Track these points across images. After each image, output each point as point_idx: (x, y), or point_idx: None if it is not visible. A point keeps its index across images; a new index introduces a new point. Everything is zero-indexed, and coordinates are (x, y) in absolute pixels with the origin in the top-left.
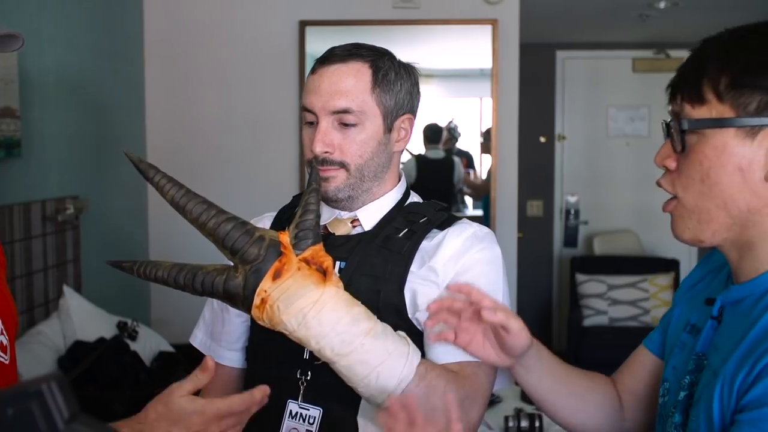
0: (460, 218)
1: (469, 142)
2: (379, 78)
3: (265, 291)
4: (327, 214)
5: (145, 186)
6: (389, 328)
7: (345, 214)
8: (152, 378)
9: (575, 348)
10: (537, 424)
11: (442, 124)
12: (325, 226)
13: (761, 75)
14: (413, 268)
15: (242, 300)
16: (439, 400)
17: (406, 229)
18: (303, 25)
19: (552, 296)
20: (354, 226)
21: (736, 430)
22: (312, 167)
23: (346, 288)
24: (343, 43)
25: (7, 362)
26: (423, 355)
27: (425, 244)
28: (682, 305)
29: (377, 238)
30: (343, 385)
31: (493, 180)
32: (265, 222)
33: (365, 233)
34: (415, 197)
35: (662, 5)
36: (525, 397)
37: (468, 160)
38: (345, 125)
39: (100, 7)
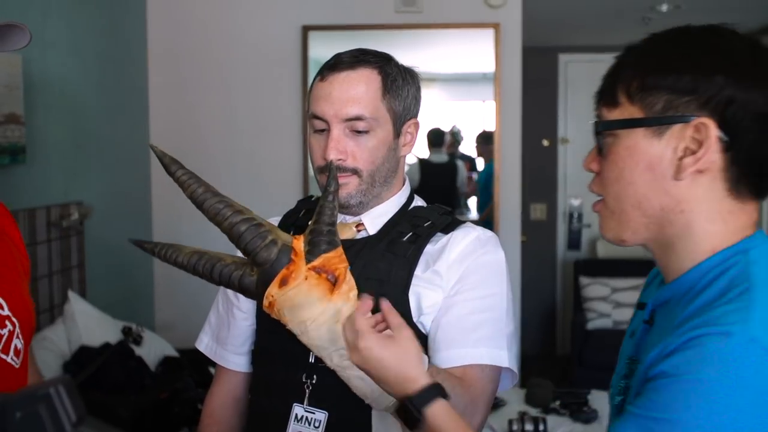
0: (464, 222)
1: (472, 145)
2: (388, 84)
3: (272, 296)
4: None
5: (150, 191)
6: None
7: (350, 219)
8: (157, 383)
9: (579, 351)
10: (541, 427)
11: (445, 128)
12: None
13: (667, 76)
14: (418, 272)
15: (255, 297)
16: None
17: (411, 233)
18: (306, 29)
19: (556, 299)
20: (359, 231)
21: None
22: (330, 170)
23: None
24: (347, 49)
25: (17, 366)
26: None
27: (429, 248)
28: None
29: (382, 243)
30: (348, 389)
31: (496, 183)
32: None
33: (370, 237)
34: (419, 201)
35: (665, 8)
36: (529, 400)
37: (471, 164)
38: (357, 132)
39: (104, 13)
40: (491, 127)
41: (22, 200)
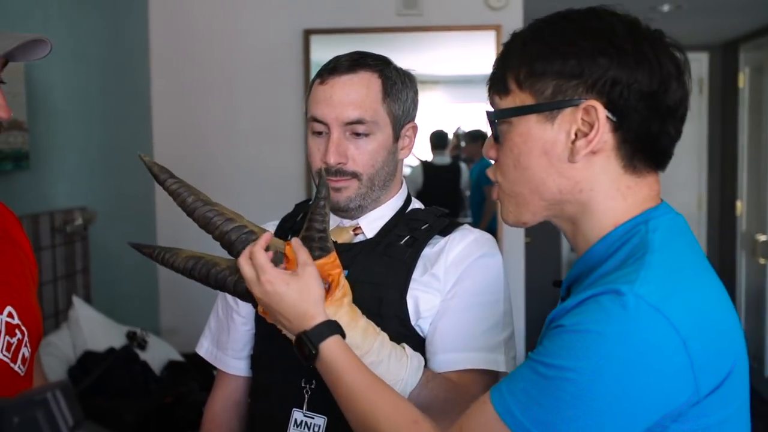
0: (461, 224)
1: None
2: (388, 88)
3: None
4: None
5: (153, 196)
6: (387, 350)
7: (347, 222)
8: (162, 387)
9: None
10: None
11: (448, 130)
12: None
13: (553, 61)
14: (415, 275)
15: (250, 301)
16: (438, 407)
17: (408, 237)
18: (307, 33)
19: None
20: (356, 234)
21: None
22: (320, 177)
23: None
24: (347, 52)
25: (23, 375)
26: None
27: (427, 251)
28: None
29: (379, 246)
30: None
31: None
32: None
33: (367, 241)
34: (416, 204)
35: (666, 8)
36: None
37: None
38: (357, 135)
39: (106, 19)
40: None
41: (26, 206)
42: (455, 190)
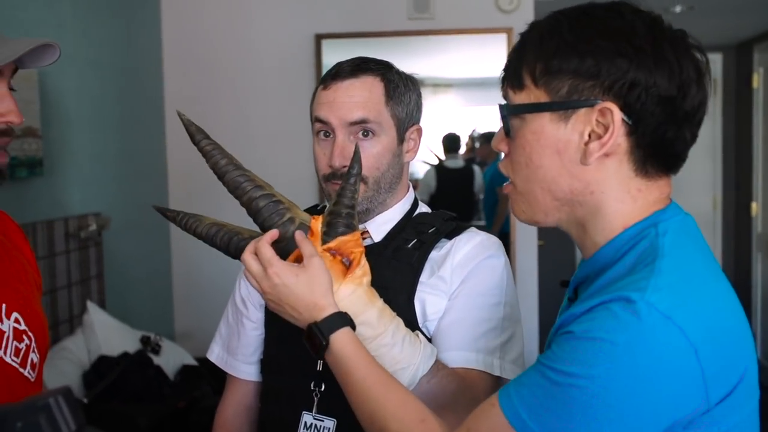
0: (468, 227)
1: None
2: (390, 91)
3: None
4: None
5: (167, 201)
6: (402, 334)
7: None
8: (175, 392)
9: None
10: None
11: (461, 133)
12: None
13: (570, 59)
14: (423, 278)
15: None
16: (446, 399)
17: (415, 240)
18: (319, 38)
19: None
20: (364, 238)
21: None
22: (355, 153)
23: None
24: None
25: (33, 380)
26: None
27: (434, 254)
28: None
29: (387, 250)
30: None
31: None
32: None
33: (375, 245)
34: (423, 208)
35: (678, 9)
36: None
37: None
38: (362, 136)
39: (119, 26)
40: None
41: (41, 212)
42: (468, 193)
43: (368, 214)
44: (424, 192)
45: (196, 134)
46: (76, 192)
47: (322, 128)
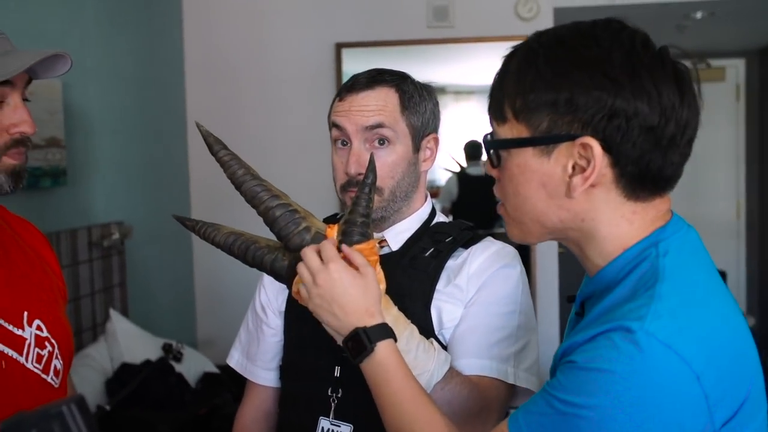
0: (484, 236)
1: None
2: (405, 101)
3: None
4: None
5: (189, 210)
6: (417, 341)
7: (374, 235)
8: (196, 399)
9: None
10: None
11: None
12: None
13: (547, 94)
14: (439, 286)
15: (285, 282)
16: (459, 406)
17: (432, 249)
18: (339, 47)
19: None
20: (381, 247)
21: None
22: (370, 162)
23: None
24: (381, 65)
25: (57, 387)
26: None
27: (451, 263)
28: None
29: (404, 258)
30: (373, 402)
31: None
32: None
33: (392, 253)
34: (440, 217)
35: (699, 15)
36: None
37: None
38: (378, 145)
39: (142, 37)
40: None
41: (64, 221)
42: (490, 201)
43: (384, 222)
44: (446, 199)
45: (214, 145)
46: (99, 201)
47: (339, 136)
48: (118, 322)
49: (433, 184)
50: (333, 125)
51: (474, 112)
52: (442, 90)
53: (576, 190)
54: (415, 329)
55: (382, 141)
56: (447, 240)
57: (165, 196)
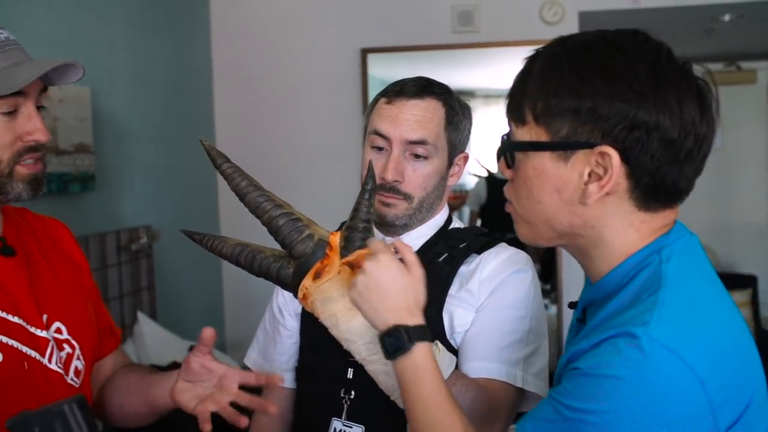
0: (498, 242)
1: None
2: (451, 117)
3: (306, 288)
4: None
5: (217, 214)
6: None
7: (389, 239)
8: None
9: None
10: None
11: None
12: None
13: (570, 101)
14: (452, 291)
15: (291, 289)
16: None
17: (446, 254)
18: (365, 52)
19: None
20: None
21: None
22: (369, 169)
23: None
24: (405, 70)
25: (77, 386)
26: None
27: (463, 269)
28: None
29: None
30: (385, 403)
31: None
32: None
33: None
34: (456, 223)
35: (727, 18)
36: None
37: None
38: (416, 157)
39: (169, 44)
40: None
41: (93, 226)
42: None
43: (406, 228)
44: (474, 203)
45: (217, 158)
46: (127, 206)
47: (379, 143)
48: (145, 325)
49: (462, 188)
50: (375, 130)
51: (500, 117)
52: (472, 94)
53: (591, 198)
54: None
55: (419, 155)
56: (461, 246)
57: (193, 200)
